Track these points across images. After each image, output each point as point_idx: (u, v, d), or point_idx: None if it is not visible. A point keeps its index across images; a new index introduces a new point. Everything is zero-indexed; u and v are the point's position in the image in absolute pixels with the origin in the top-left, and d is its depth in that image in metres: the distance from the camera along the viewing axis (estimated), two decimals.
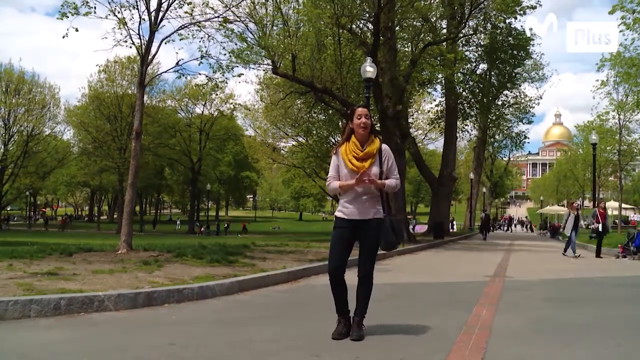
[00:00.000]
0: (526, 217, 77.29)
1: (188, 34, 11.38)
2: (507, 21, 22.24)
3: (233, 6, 13.25)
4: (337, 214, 4.10)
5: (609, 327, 4.79)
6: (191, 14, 11.26)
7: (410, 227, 27.44)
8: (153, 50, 10.98)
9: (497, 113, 29.29)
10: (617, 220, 33.34)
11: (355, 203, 4.00)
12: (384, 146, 4.09)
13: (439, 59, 20.33)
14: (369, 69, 13.92)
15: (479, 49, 25.82)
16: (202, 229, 46.51)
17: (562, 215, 57.64)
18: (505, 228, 54.21)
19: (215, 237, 28.77)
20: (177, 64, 11.49)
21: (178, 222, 59.22)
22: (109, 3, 10.54)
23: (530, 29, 22.42)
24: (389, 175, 4.04)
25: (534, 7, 20.10)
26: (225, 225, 47.90)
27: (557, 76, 76.15)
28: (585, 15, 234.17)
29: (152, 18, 10.64)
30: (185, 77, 12.44)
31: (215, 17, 11.95)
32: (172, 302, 5.41)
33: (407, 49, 21.76)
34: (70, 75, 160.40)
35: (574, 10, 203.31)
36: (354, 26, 18.24)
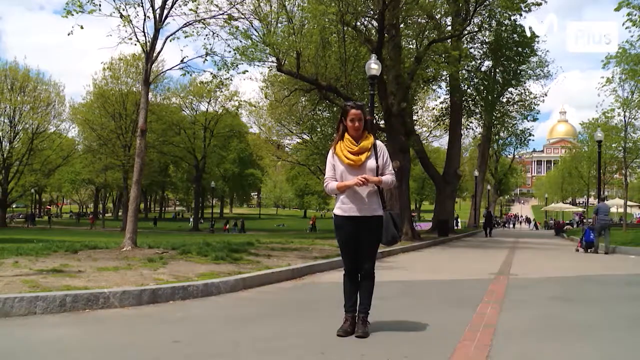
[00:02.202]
0: (505, 213, 76.84)
1: (193, 32, 11.37)
2: (512, 18, 22.13)
3: (237, 3, 13.19)
4: (336, 211, 4.11)
5: (615, 325, 4.76)
6: (196, 12, 11.25)
7: None
8: (158, 47, 10.97)
9: (502, 110, 29.19)
10: (622, 218, 33.18)
11: (354, 200, 4.00)
12: (378, 142, 4.14)
13: (443, 56, 20.27)
14: (373, 66, 13.88)
15: (484, 46, 25.69)
16: (227, 226, 46.44)
17: (564, 212, 57.14)
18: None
19: (242, 235, 28.26)
20: (181, 61, 11.49)
21: (191, 219, 59.04)
22: (114, 0, 10.55)
23: (530, 28, 22.26)
24: (384, 172, 4.06)
25: (539, 4, 19.96)
26: (212, 222, 47.89)
27: (563, 74, 75.97)
28: (594, 13, 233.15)
29: (157, 15, 10.65)
30: (190, 75, 12.43)
31: (220, 15, 11.91)
32: (177, 299, 5.43)
33: (411, 46, 21.72)
34: (75, 73, 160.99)
35: (582, 8, 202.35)
36: (358, 23, 18.17)
